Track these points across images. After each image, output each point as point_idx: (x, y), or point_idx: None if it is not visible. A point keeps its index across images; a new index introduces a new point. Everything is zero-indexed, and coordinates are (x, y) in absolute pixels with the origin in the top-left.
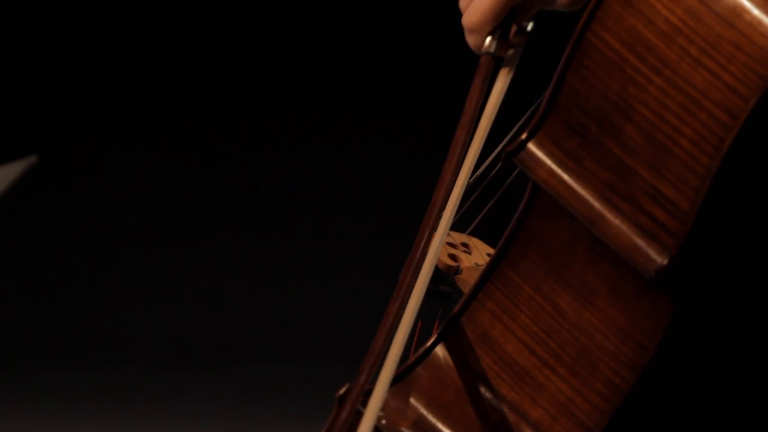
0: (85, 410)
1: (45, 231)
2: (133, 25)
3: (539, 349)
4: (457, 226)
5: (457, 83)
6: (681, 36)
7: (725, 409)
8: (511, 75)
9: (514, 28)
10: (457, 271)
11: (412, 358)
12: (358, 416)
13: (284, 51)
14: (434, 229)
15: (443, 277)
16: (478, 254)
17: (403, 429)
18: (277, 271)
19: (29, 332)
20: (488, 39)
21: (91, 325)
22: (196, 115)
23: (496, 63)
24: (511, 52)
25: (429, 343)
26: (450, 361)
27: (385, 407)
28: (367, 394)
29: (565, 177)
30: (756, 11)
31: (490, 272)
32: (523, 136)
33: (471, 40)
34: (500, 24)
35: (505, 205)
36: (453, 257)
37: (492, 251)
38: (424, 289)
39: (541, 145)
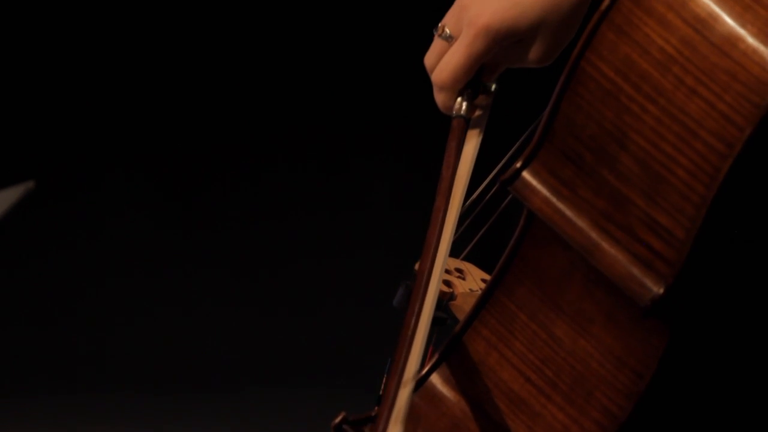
0: None
1: (40, 255)
2: (130, 50)
3: (535, 377)
4: (451, 251)
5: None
6: (676, 65)
7: None
8: (481, 136)
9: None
10: (452, 297)
11: None
12: None
13: (279, 74)
14: (424, 297)
15: (438, 303)
16: (473, 280)
17: None
18: (272, 295)
19: (23, 354)
20: (458, 100)
21: (84, 349)
22: (192, 138)
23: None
24: (479, 113)
25: (424, 371)
26: (445, 389)
27: None
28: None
29: (560, 205)
30: (751, 40)
31: (485, 300)
32: (518, 165)
33: (441, 97)
34: (469, 84)
35: (499, 230)
36: (447, 283)
37: (486, 277)
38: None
39: (536, 174)
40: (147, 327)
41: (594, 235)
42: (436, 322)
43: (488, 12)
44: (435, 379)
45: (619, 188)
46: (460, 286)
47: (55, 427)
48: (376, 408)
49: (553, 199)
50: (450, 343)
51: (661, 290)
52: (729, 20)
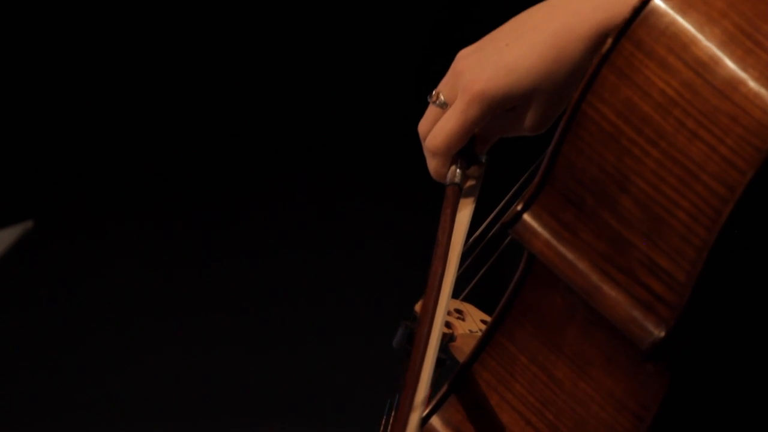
0: None
1: (38, 295)
2: (129, 92)
3: (535, 419)
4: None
5: None
6: (677, 108)
7: None
8: (474, 204)
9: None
10: (452, 338)
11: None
12: None
13: (273, 114)
14: (423, 357)
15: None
16: (472, 321)
17: None
18: (267, 337)
19: (17, 396)
20: (452, 168)
21: (75, 392)
22: (186, 182)
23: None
24: (471, 183)
25: (424, 414)
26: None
27: None
28: None
29: (561, 248)
30: (752, 84)
31: (485, 342)
32: (519, 207)
33: (434, 163)
34: (461, 153)
35: (499, 271)
36: (447, 324)
37: (486, 318)
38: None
39: (536, 216)
40: (140, 370)
41: (595, 277)
42: (436, 363)
43: (483, 78)
44: (435, 421)
45: (620, 231)
46: (460, 327)
47: None
48: None
49: (554, 242)
50: (450, 384)
51: (662, 333)
52: (730, 64)
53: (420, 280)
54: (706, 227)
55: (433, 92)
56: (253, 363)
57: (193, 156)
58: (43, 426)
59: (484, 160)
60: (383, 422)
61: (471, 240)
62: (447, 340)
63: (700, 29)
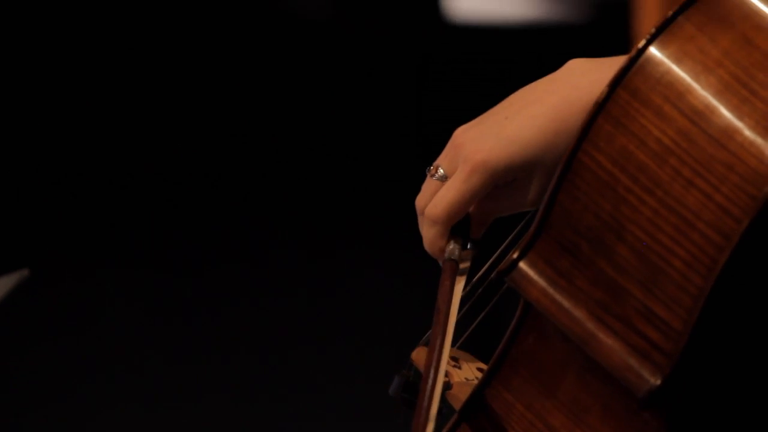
0: None
1: (34, 343)
2: (120, 135)
3: None
4: None
5: None
6: (673, 157)
7: None
8: (463, 282)
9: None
10: (448, 386)
11: None
12: None
13: (267, 155)
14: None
15: None
16: (468, 369)
17: None
18: (264, 382)
19: None
20: (451, 244)
21: None
22: (181, 229)
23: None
24: (464, 265)
25: None
26: None
27: None
28: None
29: (557, 296)
30: (748, 132)
31: (481, 389)
32: (515, 255)
33: (432, 233)
34: (458, 232)
35: (495, 318)
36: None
37: (482, 366)
38: None
39: (533, 265)
40: (135, 417)
41: (591, 325)
42: None
43: (485, 149)
44: None
45: (616, 279)
46: (456, 376)
47: None
48: None
49: (551, 290)
50: None
51: (658, 381)
52: (726, 113)
53: (416, 329)
54: (702, 275)
55: (432, 166)
56: (245, 413)
57: (187, 204)
58: None
59: (471, 248)
60: None
61: (468, 287)
62: (443, 388)
63: (696, 78)
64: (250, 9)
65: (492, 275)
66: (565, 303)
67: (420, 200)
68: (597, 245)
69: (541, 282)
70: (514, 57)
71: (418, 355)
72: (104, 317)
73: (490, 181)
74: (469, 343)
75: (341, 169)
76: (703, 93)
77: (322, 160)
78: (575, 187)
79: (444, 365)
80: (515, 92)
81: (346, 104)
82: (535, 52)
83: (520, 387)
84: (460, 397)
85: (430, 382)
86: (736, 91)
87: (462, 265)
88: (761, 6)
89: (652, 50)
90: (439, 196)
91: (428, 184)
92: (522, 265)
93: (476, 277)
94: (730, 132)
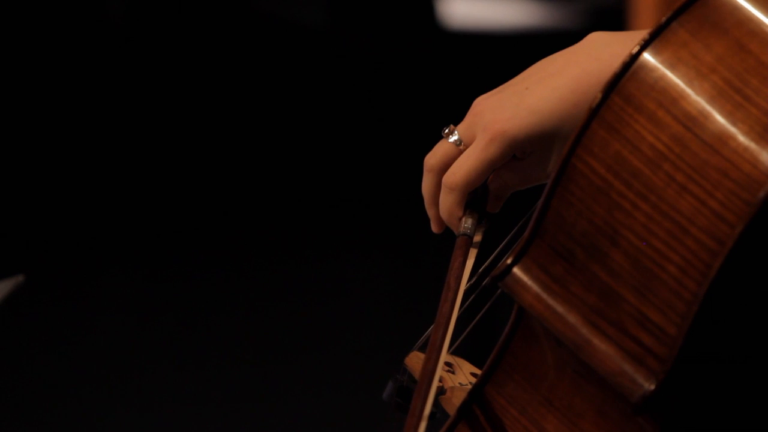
0: None
1: (31, 349)
2: (118, 142)
3: None
4: None
5: None
6: (667, 162)
7: None
8: (474, 256)
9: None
10: (442, 391)
11: None
12: None
13: (263, 162)
14: (426, 397)
15: None
16: (462, 374)
17: None
18: (259, 387)
19: None
20: (465, 219)
21: None
22: (179, 235)
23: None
24: (477, 239)
25: None
26: None
27: None
28: None
29: (551, 302)
30: (742, 138)
31: (475, 394)
32: (509, 261)
33: (448, 200)
34: (473, 206)
35: (489, 324)
36: None
37: (476, 371)
38: None
39: (527, 270)
40: (131, 422)
41: (585, 331)
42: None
43: (504, 118)
44: None
45: (610, 284)
46: (450, 381)
47: None
48: None
49: (544, 296)
50: None
51: (653, 386)
52: (720, 118)
53: (410, 335)
54: (697, 281)
55: (448, 127)
56: (240, 416)
57: (180, 209)
58: None
59: (486, 224)
60: None
61: (471, 281)
62: (437, 393)
63: (690, 84)
64: (244, 14)
65: (486, 280)
66: (559, 308)
67: (429, 158)
68: (591, 251)
69: (535, 287)
70: (509, 63)
71: (412, 360)
72: (99, 323)
73: (509, 150)
74: (464, 348)
75: (335, 174)
76: (696, 99)
77: (317, 164)
78: (569, 193)
79: (447, 342)
80: (537, 63)
81: (341, 108)
82: (529, 58)
83: (514, 392)
84: (454, 401)
85: (432, 360)
86: (729, 97)
87: (475, 239)
88: (755, 12)
89: (646, 56)
90: (457, 164)
91: (440, 145)
92: (516, 270)
93: (472, 280)
94: (724, 138)
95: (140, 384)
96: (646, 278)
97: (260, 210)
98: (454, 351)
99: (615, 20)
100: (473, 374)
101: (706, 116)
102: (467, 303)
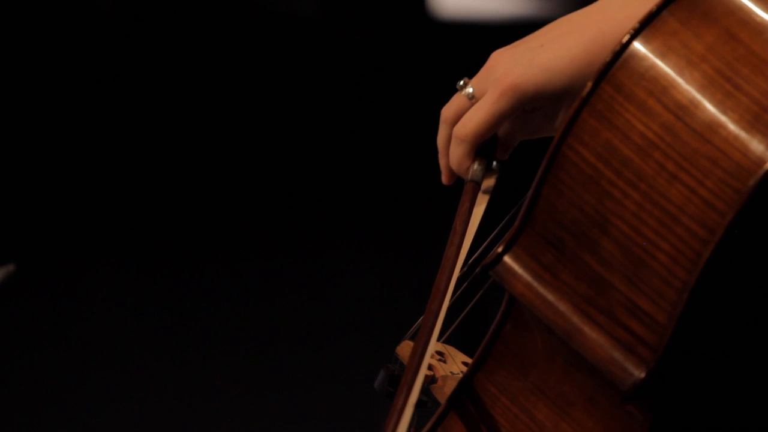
0: None
1: (22, 338)
2: (111, 131)
3: None
4: None
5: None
6: (657, 151)
7: None
8: (485, 206)
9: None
10: (433, 380)
11: None
12: None
13: (255, 157)
14: (426, 343)
15: None
16: (454, 363)
17: None
18: (251, 378)
19: None
20: (475, 165)
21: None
22: (173, 227)
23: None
24: (487, 185)
25: None
26: None
27: None
28: None
29: (542, 290)
30: (732, 127)
31: (466, 383)
32: (500, 249)
33: (458, 151)
34: (483, 153)
35: (480, 313)
36: (428, 366)
37: (467, 360)
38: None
39: (517, 258)
40: (125, 409)
41: (575, 319)
42: (417, 405)
43: (516, 73)
44: None
45: (601, 273)
46: (441, 369)
47: None
48: None
49: (535, 284)
50: (431, 426)
51: (643, 374)
52: (710, 107)
53: (401, 325)
54: (687, 269)
55: (463, 80)
56: (238, 405)
57: (173, 200)
58: None
59: (497, 169)
60: None
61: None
62: (428, 382)
63: (680, 73)
64: (236, 7)
65: (477, 269)
66: (550, 296)
67: (445, 110)
68: (581, 239)
69: (526, 276)
70: None
71: (404, 349)
72: (91, 312)
73: (518, 105)
74: (455, 337)
75: (327, 167)
76: (687, 87)
77: (308, 157)
78: (560, 181)
79: (450, 292)
80: (553, 21)
81: (330, 101)
82: None
83: (505, 380)
84: (445, 390)
85: (441, 292)
86: (720, 86)
87: (486, 184)
88: (745, 1)
89: (636, 45)
90: (467, 116)
91: (455, 98)
92: (506, 259)
93: (461, 271)
94: (714, 126)
95: (132, 375)
96: (637, 267)
97: (252, 202)
98: (446, 340)
99: None
100: (465, 363)
101: (697, 105)
102: (459, 292)
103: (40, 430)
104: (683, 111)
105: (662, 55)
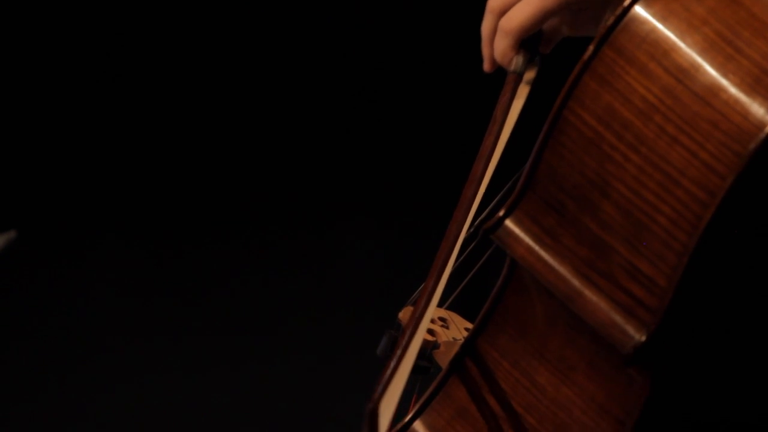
0: None
1: (23, 306)
2: (114, 110)
3: (517, 424)
4: None
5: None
6: (658, 114)
7: None
8: (524, 100)
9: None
10: (435, 345)
11: None
12: None
13: (257, 137)
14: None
15: (421, 351)
16: (456, 329)
17: None
18: (255, 350)
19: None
20: (517, 57)
21: (58, 413)
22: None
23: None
24: (528, 77)
25: (406, 420)
26: None
27: None
28: None
29: (543, 254)
30: (733, 90)
31: (467, 348)
32: (501, 213)
33: (503, 43)
34: (526, 47)
35: (482, 279)
36: (431, 332)
37: (470, 325)
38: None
39: (518, 222)
40: (127, 398)
41: (576, 282)
42: (419, 371)
43: None
44: (418, 426)
45: (602, 236)
46: (444, 335)
47: None
48: None
49: (536, 248)
50: (433, 390)
51: (643, 338)
52: (711, 70)
53: (404, 290)
54: (687, 232)
55: None
56: (236, 383)
57: (179, 175)
58: None
59: (538, 62)
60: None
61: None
62: (431, 347)
63: (681, 36)
64: (237, 4)
65: (479, 234)
66: (551, 260)
67: (493, 1)
68: (582, 203)
69: (527, 239)
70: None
71: (406, 315)
72: (93, 279)
73: (565, 4)
74: (458, 304)
75: (328, 143)
76: (688, 51)
77: (309, 134)
78: (561, 145)
79: (487, 179)
80: None
81: (334, 93)
82: None
83: (506, 345)
84: (448, 356)
85: (477, 180)
86: (721, 49)
87: (528, 77)
88: None
89: (638, 9)
90: (515, 10)
91: None
92: (508, 222)
93: (463, 237)
94: (715, 89)
95: (132, 345)
96: (637, 230)
97: (252, 179)
98: (449, 307)
99: None
100: (467, 330)
101: (697, 68)
102: (463, 257)
103: (40, 401)
104: (684, 74)
105: (663, 19)
